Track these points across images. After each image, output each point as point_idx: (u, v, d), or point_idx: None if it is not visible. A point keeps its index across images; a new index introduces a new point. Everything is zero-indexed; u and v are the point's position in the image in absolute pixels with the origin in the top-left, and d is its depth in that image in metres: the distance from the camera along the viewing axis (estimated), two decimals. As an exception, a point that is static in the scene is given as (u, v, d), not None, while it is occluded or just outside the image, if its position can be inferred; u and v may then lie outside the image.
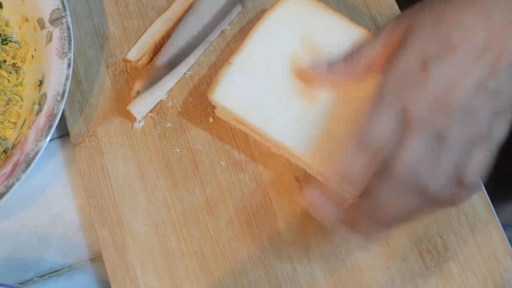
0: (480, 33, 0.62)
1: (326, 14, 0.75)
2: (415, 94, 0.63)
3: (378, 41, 0.68)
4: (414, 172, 0.62)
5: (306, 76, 0.73)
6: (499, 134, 0.63)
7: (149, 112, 0.80)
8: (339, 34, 0.74)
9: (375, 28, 0.82)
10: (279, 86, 0.73)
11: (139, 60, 0.81)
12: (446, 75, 0.62)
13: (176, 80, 0.82)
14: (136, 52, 0.81)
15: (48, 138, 0.73)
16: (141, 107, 0.80)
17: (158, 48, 0.81)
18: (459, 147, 0.62)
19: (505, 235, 0.73)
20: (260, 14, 0.83)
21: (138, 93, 0.77)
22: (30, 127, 0.76)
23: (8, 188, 0.72)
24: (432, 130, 0.62)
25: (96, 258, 0.79)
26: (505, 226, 0.78)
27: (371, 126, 0.64)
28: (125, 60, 0.80)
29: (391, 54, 0.66)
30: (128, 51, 0.80)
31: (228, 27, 0.83)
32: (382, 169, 0.63)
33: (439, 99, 0.62)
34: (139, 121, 0.80)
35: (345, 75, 0.70)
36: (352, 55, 0.69)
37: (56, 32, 0.78)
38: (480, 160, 0.62)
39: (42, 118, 0.74)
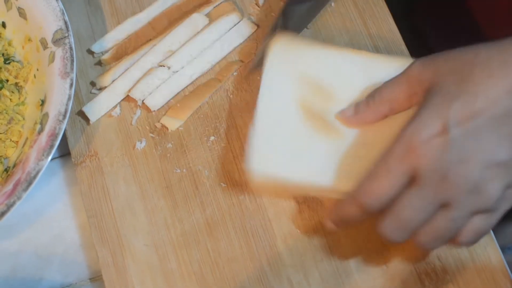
0: (504, 102, 0.61)
1: (319, 49, 0.76)
2: (429, 156, 0.62)
3: (401, 82, 0.68)
4: (408, 223, 0.63)
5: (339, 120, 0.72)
6: (506, 206, 0.64)
7: (150, 133, 0.81)
8: (336, 63, 0.74)
9: (375, 50, 0.82)
10: (302, 135, 0.72)
11: (102, 53, 0.84)
12: (465, 144, 0.61)
13: (132, 84, 0.82)
14: (102, 46, 0.84)
15: (50, 158, 0.73)
16: (96, 108, 0.81)
17: (123, 47, 0.83)
18: (460, 216, 0.63)
19: (504, 258, 0.73)
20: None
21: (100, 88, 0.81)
22: (31, 146, 0.76)
23: (9, 207, 0.72)
24: (437, 196, 0.62)
25: (96, 278, 0.79)
26: (504, 249, 0.78)
27: (376, 180, 0.64)
28: (90, 51, 0.83)
29: (412, 97, 0.66)
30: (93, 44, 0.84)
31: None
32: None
33: (452, 167, 0.61)
34: (141, 142, 0.80)
35: (369, 114, 0.70)
36: (374, 95, 0.70)
37: (59, 52, 0.78)
38: (478, 227, 0.64)
39: (43, 138, 0.75)
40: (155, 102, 0.81)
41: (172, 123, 0.80)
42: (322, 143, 0.71)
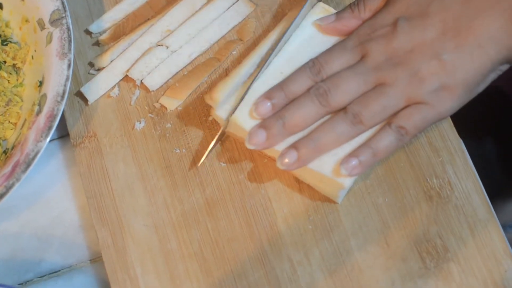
0: (456, 11, 0.68)
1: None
2: (377, 42, 0.70)
3: None
4: (345, 99, 0.70)
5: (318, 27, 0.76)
6: (441, 108, 0.68)
7: (149, 113, 0.80)
8: None
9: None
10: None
11: (100, 34, 0.84)
12: (410, 36, 0.69)
13: (130, 64, 0.82)
14: (100, 26, 0.84)
15: (48, 139, 0.73)
16: (94, 89, 0.81)
17: (120, 27, 0.84)
18: (394, 94, 0.68)
19: (505, 236, 0.73)
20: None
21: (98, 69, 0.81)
22: (30, 128, 0.76)
23: (8, 188, 0.72)
24: (377, 72, 0.69)
25: (96, 259, 0.79)
26: (505, 227, 0.78)
27: (328, 52, 0.72)
28: (87, 32, 0.84)
29: None
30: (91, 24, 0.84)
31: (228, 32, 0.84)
32: (316, 86, 0.70)
33: (395, 54, 0.69)
34: (140, 122, 0.80)
35: (351, 21, 0.74)
36: (358, 3, 0.74)
37: (56, 33, 0.78)
38: (411, 115, 0.68)
39: (42, 119, 0.74)
40: (154, 82, 0.81)
41: (171, 103, 0.80)
42: None
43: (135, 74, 0.81)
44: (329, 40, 0.76)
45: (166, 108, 0.80)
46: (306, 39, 0.77)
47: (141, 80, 0.81)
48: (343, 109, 0.70)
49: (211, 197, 0.77)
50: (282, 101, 0.72)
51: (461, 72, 0.68)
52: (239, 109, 0.73)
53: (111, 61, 0.82)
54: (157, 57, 0.81)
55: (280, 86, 0.72)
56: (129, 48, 0.82)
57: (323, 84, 0.70)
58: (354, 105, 0.69)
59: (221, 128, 0.75)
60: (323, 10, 0.77)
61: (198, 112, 0.80)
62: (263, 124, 0.71)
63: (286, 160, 0.69)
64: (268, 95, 0.72)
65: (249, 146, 0.71)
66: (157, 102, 0.81)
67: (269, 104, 0.71)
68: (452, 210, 0.74)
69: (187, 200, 0.77)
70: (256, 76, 0.74)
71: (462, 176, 0.75)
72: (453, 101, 0.68)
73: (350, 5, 0.75)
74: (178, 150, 0.79)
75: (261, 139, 0.70)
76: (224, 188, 0.77)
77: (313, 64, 0.72)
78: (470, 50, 0.67)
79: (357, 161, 0.68)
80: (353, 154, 0.69)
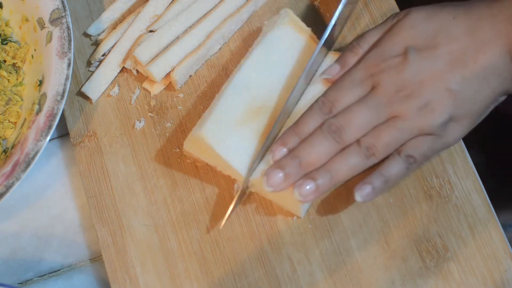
0: (462, 43, 0.69)
1: None
2: (389, 73, 0.70)
3: (380, 29, 0.73)
4: (358, 134, 0.69)
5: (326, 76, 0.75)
6: (449, 138, 0.70)
7: (149, 112, 0.80)
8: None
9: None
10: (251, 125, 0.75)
11: (99, 35, 0.84)
12: (420, 67, 0.69)
13: (124, 55, 0.82)
14: (98, 27, 0.84)
15: (48, 138, 0.73)
16: (95, 86, 0.81)
17: (116, 24, 0.84)
18: (406, 128, 0.69)
19: (505, 235, 0.73)
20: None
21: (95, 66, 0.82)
22: (30, 127, 0.76)
23: (8, 188, 0.72)
24: (389, 105, 0.69)
25: (96, 258, 0.79)
26: (506, 226, 0.78)
27: (336, 89, 0.71)
28: (86, 35, 0.84)
29: None
30: (89, 26, 0.84)
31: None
32: (328, 123, 0.70)
33: (406, 86, 0.69)
34: (140, 121, 0.80)
35: (354, 58, 0.74)
36: (358, 42, 0.73)
37: (56, 32, 0.78)
38: (420, 145, 0.69)
39: (42, 118, 0.74)
40: (158, 69, 0.80)
41: (154, 87, 0.81)
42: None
43: (141, 56, 0.81)
44: (297, 44, 0.77)
45: (149, 92, 0.81)
46: (271, 50, 0.77)
47: (137, 69, 0.82)
48: (357, 141, 0.70)
49: (211, 196, 0.76)
50: (295, 144, 0.71)
51: (469, 103, 0.69)
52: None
53: (103, 54, 0.83)
54: (160, 39, 0.81)
55: (293, 130, 0.71)
56: (120, 40, 0.83)
57: (335, 120, 0.70)
58: (368, 139, 0.69)
59: (240, 188, 0.74)
60: (291, 20, 0.78)
61: (198, 111, 0.80)
62: (279, 165, 0.70)
63: (305, 191, 0.69)
64: (283, 141, 0.71)
65: (267, 188, 0.70)
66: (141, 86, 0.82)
67: (285, 150, 0.71)
68: (452, 210, 0.74)
69: (187, 199, 0.77)
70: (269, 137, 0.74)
71: (462, 175, 0.75)
72: (460, 132, 0.70)
73: (350, 47, 0.74)
74: (178, 149, 0.79)
75: (279, 180, 0.69)
76: (224, 187, 0.77)
77: (323, 104, 0.71)
78: (476, 82, 0.69)
79: (371, 188, 0.69)
80: (366, 181, 0.69)
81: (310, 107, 0.72)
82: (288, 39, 0.78)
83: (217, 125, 0.73)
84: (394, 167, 0.69)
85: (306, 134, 0.71)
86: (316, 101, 0.72)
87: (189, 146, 0.75)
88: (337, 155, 0.70)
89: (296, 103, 0.75)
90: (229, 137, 0.73)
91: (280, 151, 0.71)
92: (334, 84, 0.72)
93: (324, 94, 0.72)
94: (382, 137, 0.69)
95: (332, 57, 0.77)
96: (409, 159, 0.69)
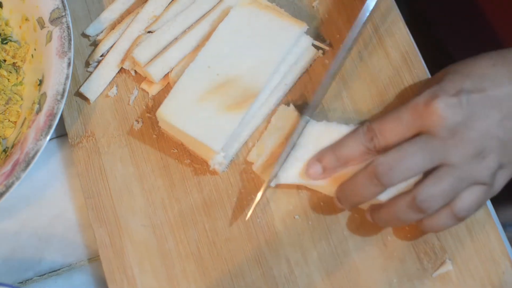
0: (507, 87, 0.68)
1: None
2: (443, 113, 0.67)
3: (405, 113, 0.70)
4: (406, 177, 0.67)
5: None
6: (497, 187, 0.69)
7: (147, 113, 0.80)
8: None
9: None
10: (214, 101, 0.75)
11: (97, 35, 0.84)
12: (474, 110, 0.67)
13: (123, 55, 0.82)
14: (96, 28, 0.84)
15: (48, 138, 0.73)
16: (93, 87, 0.81)
17: (115, 25, 0.84)
18: (463, 178, 0.67)
19: (503, 237, 0.73)
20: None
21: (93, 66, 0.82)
22: (30, 127, 0.76)
23: (8, 187, 0.72)
24: (444, 150, 0.67)
25: (95, 258, 0.79)
26: (505, 226, 0.77)
27: (383, 122, 0.69)
28: (84, 35, 0.84)
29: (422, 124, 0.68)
30: (88, 27, 0.84)
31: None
32: (376, 164, 0.68)
33: (461, 128, 0.67)
34: (138, 122, 0.80)
35: (337, 166, 0.72)
36: (372, 137, 0.70)
37: (56, 31, 0.78)
38: (477, 196, 0.67)
39: (42, 118, 0.75)
40: (156, 70, 0.81)
41: (153, 88, 0.81)
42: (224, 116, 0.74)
43: (139, 56, 0.81)
44: (260, 20, 0.78)
45: (148, 93, 0.82)
46: (233, 29, 0.78)
47: (135, 70, 0.82)
48: (410, 192, 0.68)
49: (208, 197, 0.76)
50: (333, 164, 0.71)
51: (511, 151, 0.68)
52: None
53: (102, 54, 0.83)
54: (158, 40, 0.82)
55: (332, 149, 0.71)
56: (119, 40, 0.83)
57: (385, 160, 0.67)
58: (421, 191, 0.67)
59: (266, 183, 0.74)
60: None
61: (196, 112, 0.80)
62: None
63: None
64: (319, 157, 0.71)
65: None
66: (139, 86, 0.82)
67: (319, 166, 0.71)
68: (450, 211, 0.73)
69: (185, 200, 0.77)
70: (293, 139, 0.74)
71: (461, 176, 0.74)
72: (505, 180, 0.69)
73: (330, 147, 0.72)
74: (176, 150, 0.79)
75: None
76: (222, 188, 0.77)
77: (368, 130, 0.70)
78: None
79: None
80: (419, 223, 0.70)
81: (355, 131, 0.71)
82: (250, 16, 0.78)
83: (176, 103, 0.75)
84: (444, 225, 0.69)
85: (344, 157, 0.70)
86: (362, 125, 0.71)
87: (163, 125, 0.77)
88: (387, 205, 0.69)
89: None
90: (191, 113, 0.74)
91: (315, 167, 0.71)
92: (382, 117, 0.70)
93: (370, 122, 0.70)
94: (439, 186, 0.67)
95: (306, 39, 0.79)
96: (460, 218, 0.68)
